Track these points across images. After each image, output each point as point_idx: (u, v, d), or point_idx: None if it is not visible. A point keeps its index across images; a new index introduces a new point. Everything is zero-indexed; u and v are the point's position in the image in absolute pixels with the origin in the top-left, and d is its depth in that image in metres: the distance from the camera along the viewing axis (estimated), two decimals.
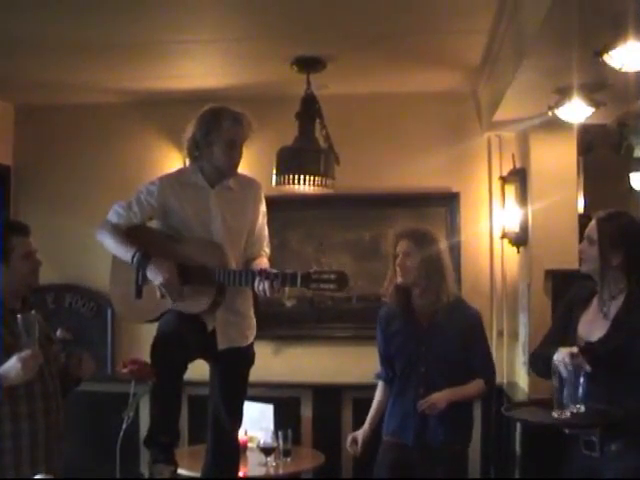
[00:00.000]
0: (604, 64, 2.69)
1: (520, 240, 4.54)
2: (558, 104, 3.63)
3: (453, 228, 4.89)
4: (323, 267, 3.12)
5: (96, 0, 3.41)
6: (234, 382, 3.30)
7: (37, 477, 2.43)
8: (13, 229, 2.83)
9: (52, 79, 4.58)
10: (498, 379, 4.66)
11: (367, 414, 3.46)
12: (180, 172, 3.37)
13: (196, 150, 3.19)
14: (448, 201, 4.91)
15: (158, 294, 3.06)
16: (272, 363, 4.87)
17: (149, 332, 3.21)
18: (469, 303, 3.44)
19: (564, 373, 2.62)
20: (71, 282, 5.13)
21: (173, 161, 4.83)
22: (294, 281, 2.98)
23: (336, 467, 4.75)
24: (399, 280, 3.28)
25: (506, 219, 4.70)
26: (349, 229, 4.99)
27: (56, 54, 4.11)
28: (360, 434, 3.43)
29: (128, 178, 4.54)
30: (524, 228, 4.46)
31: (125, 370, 3.18)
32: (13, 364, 2.53)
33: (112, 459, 3.32)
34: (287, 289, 3.05)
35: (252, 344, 3.34)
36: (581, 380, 2.61)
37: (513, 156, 4.67)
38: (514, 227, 4.57)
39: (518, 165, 4.62)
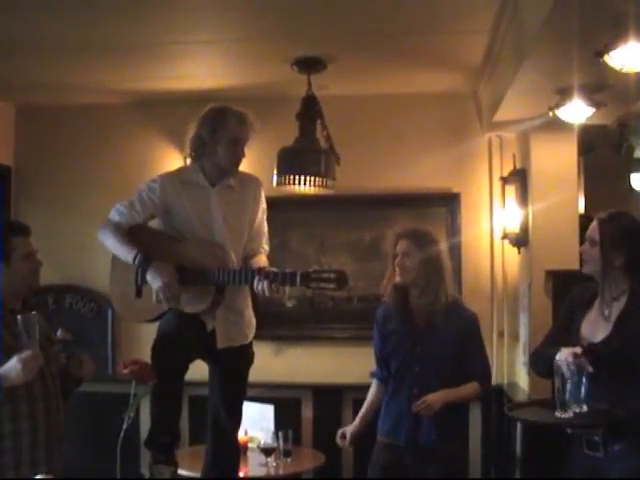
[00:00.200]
0: (604, 65, 2.69)
1: (521, 240, 4.54)
2: (559, 104, 3.62)
3: (454, 229, 4.88)
4: (323, 267, 3.11)
5: (97, 1, 3.41)
6: (234, 382, 3.30)
7: (37, 477, 2.43)
8: (14, 230, 2.83)
9: (53, 80, 4.58)
10: (499, 380, 4.71)
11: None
12: (180, 171, 3.37)
13: (201, 149, 3.19)
14: (448, 202, 4.91)
15: (154, 298, 3.07)
16: (272, 363, 4.87)
17: (149, 332, 3.21)
18: (467, 305, 3.44)
19: (567, 373, 2.62)
20: (71, 283, 5.13)
21: (174, 161, 4.83)
22: (293, 280, 2.98)
23: (336, 467, 4.75)
24: (398, 280, 3.28)
25: (507, 219, 4.69)
26: (350, 230, 4.99)
27: (57, 55, 4.11)
28: (349, 429, 3.42)
29: (129, 179, 4.53)
30: (525, 228, 4.46)
31: (126, 370, 3.17)
32: (13, 365, 2.53)
33: (112, 459, 3.31)
34: (287, 289, 3.04)
35: (251, 343, 3.34)
36: (584, 380, 2.61)
37: (514, 156, 4.67)
38: (515, 227, 4.57)
39: (519, 165, 4.62)
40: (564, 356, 2.64)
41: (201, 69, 4.47)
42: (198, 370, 3.28)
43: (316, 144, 4.41)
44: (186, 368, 3.14)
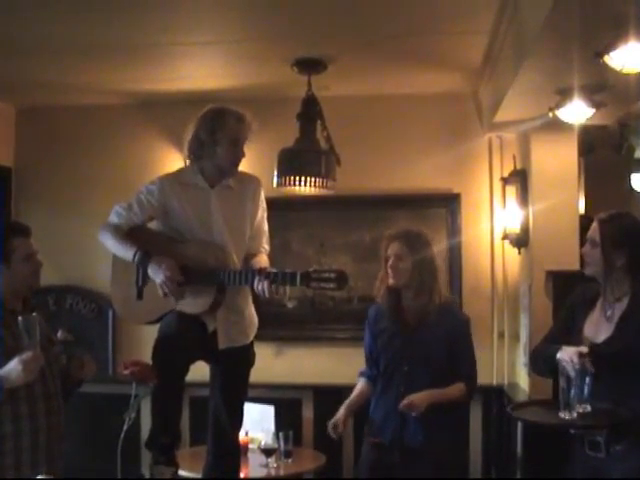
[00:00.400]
0: (605, 65, 2.69)
1: (521, 241, 4.54)
2: (559, 105, 3.63)
3: (454, 229, 4.89)
4: (323, 267, 3.11)
5: (97, 2, 3.41)
6: (234, 383, 3.30)
7: (38, 478, 2.43)
8: (14, 230, 2.83)
9: (53, 80, 4.58)
10: (499, 380, 4.71)
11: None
12: (179, 172, 3.37)
13: (200, 150, 3.19)
14: (449, 202, 4.91)
15: (160, 292, 3.06)
16: (273, 364, 4.87)
17: (150, 333, 3.21)
18: (462, 308, 3.43)
19: (572, 373, 2.61)
20: (72, 283, 5.13)
21: (174, 162, 4.81)
22: (294, 280, 2.98)
23: (337, 468, 4.75)
24: (391, 282, 3.27)
25: (507, 220, 4.69)
26: (350, 230, 4.99)
27: (57, 56, 4.11)
28: (340, 418, 3.33)
29: (129, 179, 4.53)
30: (525, 229, 4.46)
31: (126, 371, 3.17)
32: (14, 366, 2.53)
33: (113, 460, 3.31)
34: (288, 290, 3.04)
35: (252, 344, 3.34)
36: (587, 380, 2.61)
37: (514, 157, 4.67)
38: (515, 228, 4.57)
39: (519, 166, 4.62)
40: (569, 356, 2.64)
41: (202, 70, 4.47)
42: (199, 371, 3.28)
43: (316, 145, 4.41)
44: (187, 369, 3.13)
